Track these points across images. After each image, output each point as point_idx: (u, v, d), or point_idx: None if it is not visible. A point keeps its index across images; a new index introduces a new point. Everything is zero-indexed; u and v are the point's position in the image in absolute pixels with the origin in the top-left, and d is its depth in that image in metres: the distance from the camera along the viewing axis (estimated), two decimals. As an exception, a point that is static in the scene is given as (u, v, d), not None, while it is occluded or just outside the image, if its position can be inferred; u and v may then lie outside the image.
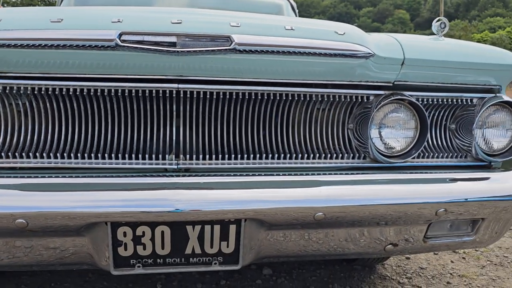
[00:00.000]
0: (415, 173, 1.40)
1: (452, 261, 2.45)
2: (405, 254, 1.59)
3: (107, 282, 2.09)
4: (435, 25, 1.54)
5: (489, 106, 1.46)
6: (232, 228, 1.27)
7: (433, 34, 1.57)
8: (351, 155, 1.42)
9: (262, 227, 1.27)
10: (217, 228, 1.26)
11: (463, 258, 2.50)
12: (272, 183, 1.26)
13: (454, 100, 1.47)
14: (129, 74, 1.22)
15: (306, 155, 1.37)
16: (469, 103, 1.48)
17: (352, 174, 1.37)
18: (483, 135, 1.50)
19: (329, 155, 1.39)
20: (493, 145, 1.51)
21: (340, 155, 1.40)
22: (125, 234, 1.23)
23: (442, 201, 1.34)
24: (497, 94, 1.50)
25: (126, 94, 1.24)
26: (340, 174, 1.37)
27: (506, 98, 1.46)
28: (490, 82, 1.49)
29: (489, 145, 1.51)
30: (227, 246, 1.29)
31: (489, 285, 2.17)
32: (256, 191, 1.23)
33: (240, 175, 1.29)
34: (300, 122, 1.40)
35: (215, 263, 1.31)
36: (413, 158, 1.45)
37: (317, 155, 1.38)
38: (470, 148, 1.49)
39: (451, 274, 2.29)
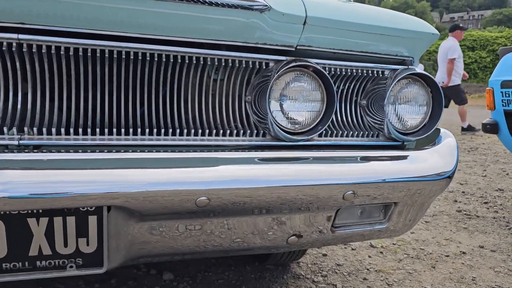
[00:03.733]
0: (320, 151, 1.22)
1: (369, 256, 2.33)
2: (313, 246, 1.40)
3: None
4: (344, -12, 1.38)
5: (401, 79, 1.32)
6: (92, 220, 0.99)
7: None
8: (249, 132, 1.20)
9: (131, 217, 1.01)
10: (71, 220, 0.98)
11: (381, 252, 2.39)
12: (142, 161, 0.99)
13: (365, 71, 1.31)
14: None
15: (193, 131, 1.13)
16: (381, 75, 1.33)
17: (248, 152, 1.15)
18: (395, 111, 1.36)
19: (221, 132, 1.16)
20: (406, 123, 1.37)
21: (235, 131, 1.18)
22: None
23: (350, 183, 1.16)
24: (410, 67, 1.36)
25: None
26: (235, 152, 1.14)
27: (418, 70, 1.33)
28: (402, 53, 1.35)
29: (402, 123, 1.37)
30: (87, 244, 1.01)
31: (406, 279, 2.06)
32: (119, 171, 0.96)
33: (107, 153, 1.02)
34: (188, 93, 1.16)
35: (71, 267, 1.02)
36: (320, 136, 1.26)
37: (207, 131, 1.15)
38: (382, 126, 1.34)
39: (368, 269, 2.16)
